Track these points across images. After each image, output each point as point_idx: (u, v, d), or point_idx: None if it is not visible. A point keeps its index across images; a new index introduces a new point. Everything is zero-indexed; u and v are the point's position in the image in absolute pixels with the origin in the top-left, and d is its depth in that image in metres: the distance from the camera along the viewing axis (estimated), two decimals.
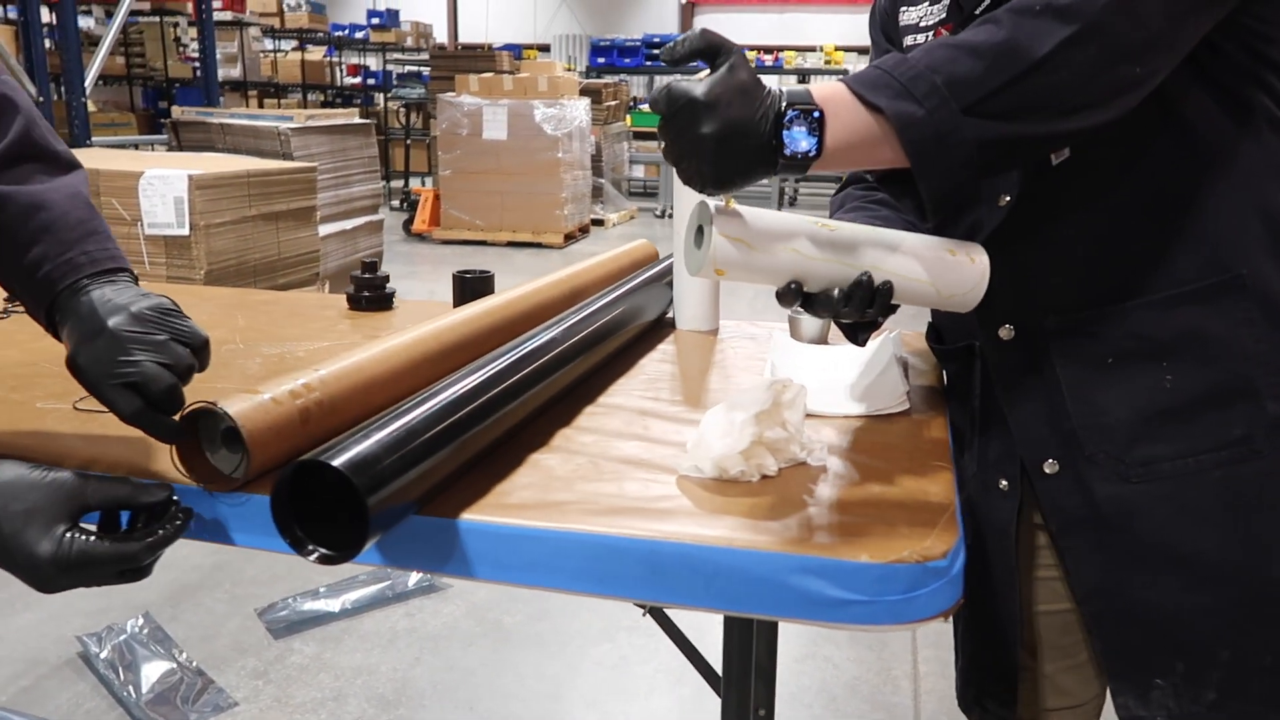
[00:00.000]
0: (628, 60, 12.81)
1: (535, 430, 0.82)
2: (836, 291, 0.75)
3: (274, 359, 1.05)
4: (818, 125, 0.66)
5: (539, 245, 7.28)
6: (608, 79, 10.67)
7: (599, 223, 8.46)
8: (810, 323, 1.14)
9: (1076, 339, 0.83)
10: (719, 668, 0.94)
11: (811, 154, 0.66)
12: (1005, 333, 0.86)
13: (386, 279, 1.32)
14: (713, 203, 0.80)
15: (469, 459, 0.70)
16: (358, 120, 4.94)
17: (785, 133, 0.65)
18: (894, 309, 0.78)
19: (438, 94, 7.53)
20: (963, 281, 0.80)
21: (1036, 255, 0.83)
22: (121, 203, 3.33)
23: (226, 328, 1.20)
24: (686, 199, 1.18)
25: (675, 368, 1.04)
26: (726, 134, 0.64)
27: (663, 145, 0.68)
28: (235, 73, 9.03)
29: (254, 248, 3.62)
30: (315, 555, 0.58)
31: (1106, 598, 0.86)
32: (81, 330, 0.69)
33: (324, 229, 4.27)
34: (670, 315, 1.23)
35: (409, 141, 9.13)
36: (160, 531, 0.65)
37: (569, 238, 7.50)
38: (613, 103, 9.17)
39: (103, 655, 1.94)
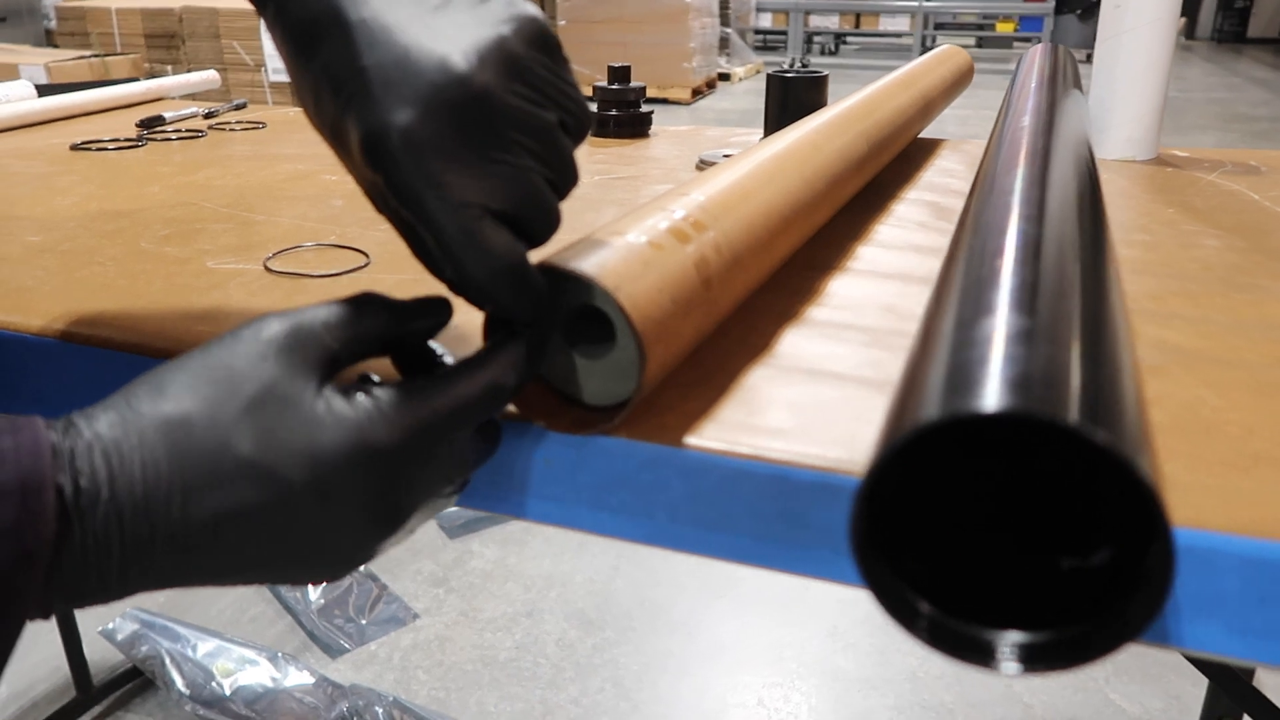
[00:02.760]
0: None
1: None
2: None
3: None
4: None
5: (665, 101, 6.76)
6: None
7: (725, 77, 7.87)
8: None
9: None
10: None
11: None
12: None
13: (642, 92, 0.94)
14: None
15: None
16: None
17: None
18: None
19: None
20: None
21: None
22: (244, 45, 3.01)
23: None
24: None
25: (1186, 215, 0.64)
26: None
27: None
28: None
29: None
30: (1013, 665, 0.23)
31: None
32: (384, 67, 0.31)
33: None
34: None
35: None
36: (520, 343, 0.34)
37: (696, 93, 6.96)
38: None
39: None
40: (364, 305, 0.33)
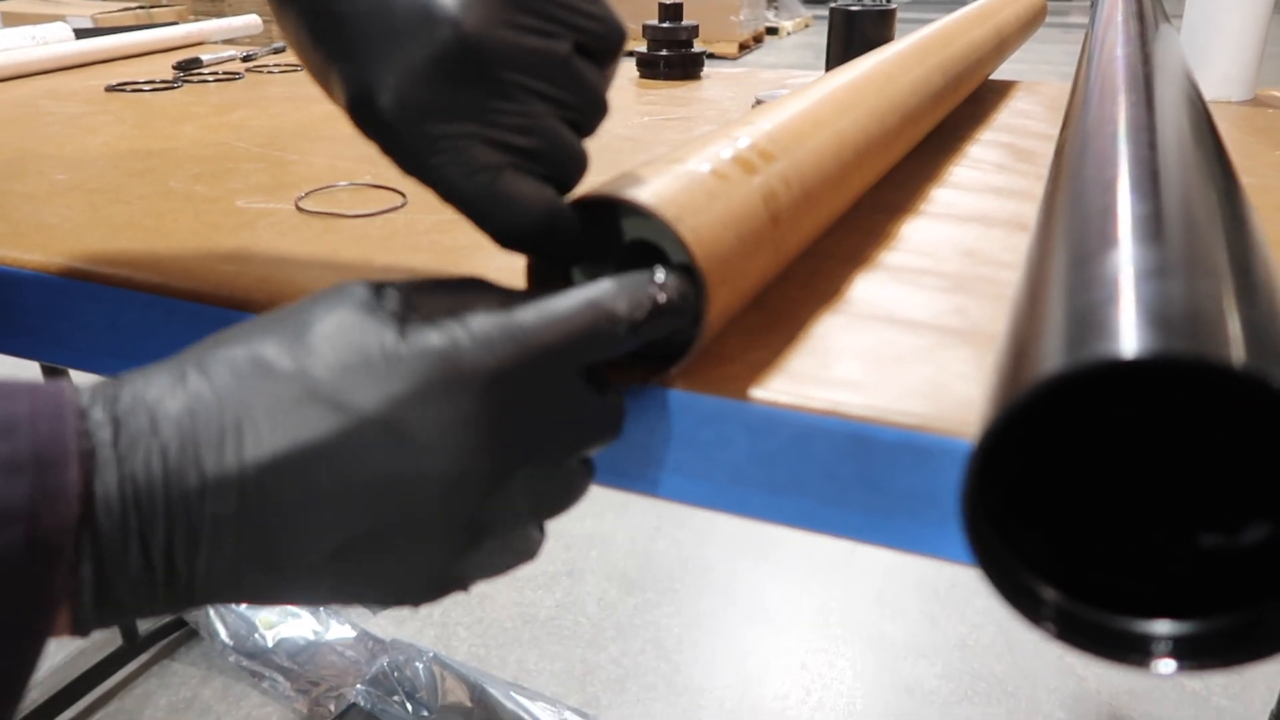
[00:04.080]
0: None
1: None
2: None
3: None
4: None
5: (711, 56, 6.63)
6: None
7: (772, 31, 7.70)
8: None
9: None
10: None
11: None
12: None
13: (695, 31, 0.89)
14: None
15: None
16: None
17: None
18: None
19: None
20: None
21: None
22: None
23: None
24: None
25: None
26: None
27: None
28: None
29: None
30: (1169, 664, 0.19)
31: None
32: (361, 13, 0.27)
33: None
34: None
35: None
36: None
37: (743, 48, 6.82)
38: None
39: None
40: (467, 285, 0.29)
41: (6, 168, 0.60)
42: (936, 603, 1.49)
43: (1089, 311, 0.22)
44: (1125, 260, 0.24)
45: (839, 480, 0.30)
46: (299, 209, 0.51)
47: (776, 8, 8.01)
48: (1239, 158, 0.58)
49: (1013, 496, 0.22)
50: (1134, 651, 0.19)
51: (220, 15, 3.13)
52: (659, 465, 0.32)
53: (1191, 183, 0.31)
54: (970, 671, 1.36)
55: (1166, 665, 0.18)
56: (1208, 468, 0.22)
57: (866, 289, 0.40)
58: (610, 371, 0.32)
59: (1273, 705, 0.94)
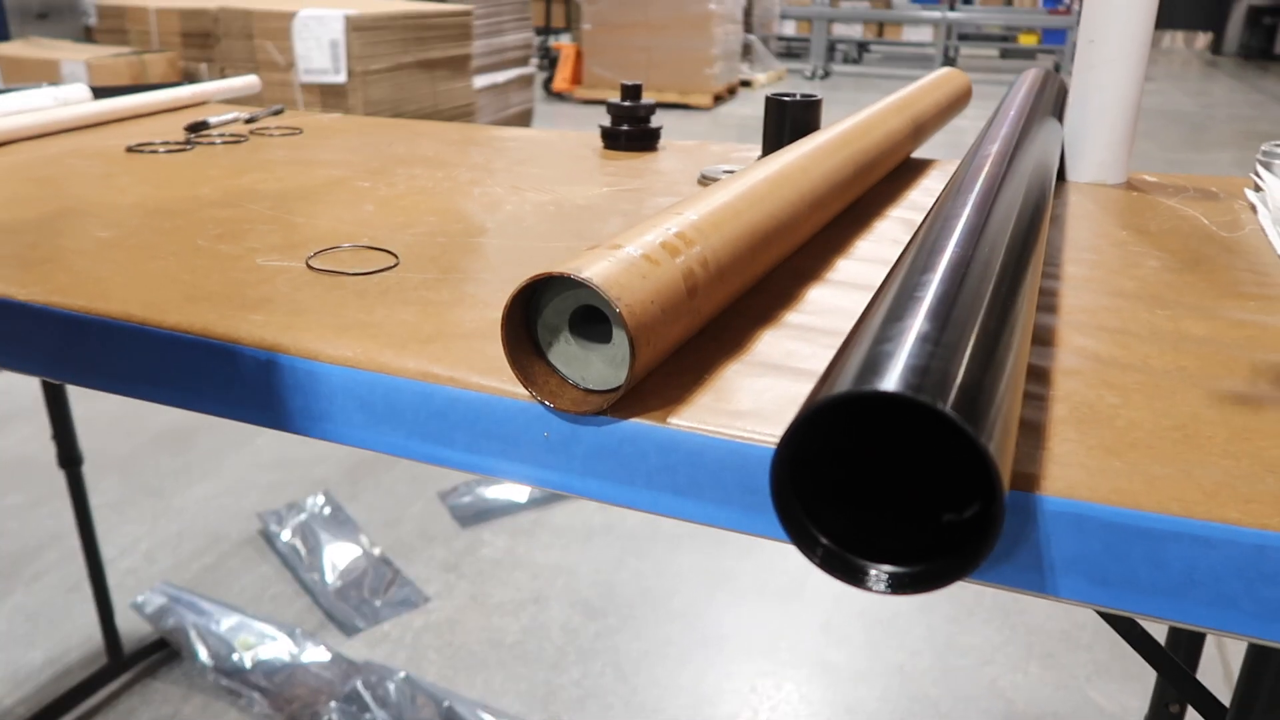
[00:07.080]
0: None
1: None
2: None
3: (549, 204, 0.77)
4: None
5: (686, 107, 6.84)
6: None
7: (746, 84, 7.94)
8: None
9: None
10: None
11: None
12: None
13: (653, 110, 1.01)
14: None
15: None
16: None
17: None
18: None
19: None
20: None
21: None
22: (276, 46, 3.10)
23: (465, 165, 0.92)
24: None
25: (1151, 246, 0.71)
26: None
27: None
28: None
29: (410, 98, 3.36)
30: (882, 582, 0.29)
31: None
32: None
33: (476, 81, 3.98)
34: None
35: None
36: None
37: (718, 99, 7.04)
38: None
39: (284, 536, 1.79)
40: None
41: (53, 223, 0.70)
42: (879, 631, 1.59)
43: (870, 360, 0.33)
44: (911, 329, 0.35)
45: (724, 485, 0.41)
46: (309, 267, 0.61)
47: (751, 61, 8.26)
48: (1091, 236, 0.70)
49: (828, 478, 0.33)
50: (864, 579, 0.29)
51: (210, 62, 3.24)
52: (592, 474, 0.43)
53: (985, 276, 0.42)
54: (908, 694, 1.46)
55: (880, 587, 0.29)
56: (949, 465, 0.33)
57: (767, 342, 0.50)
58: (555, 401, 0.43)
59: None
